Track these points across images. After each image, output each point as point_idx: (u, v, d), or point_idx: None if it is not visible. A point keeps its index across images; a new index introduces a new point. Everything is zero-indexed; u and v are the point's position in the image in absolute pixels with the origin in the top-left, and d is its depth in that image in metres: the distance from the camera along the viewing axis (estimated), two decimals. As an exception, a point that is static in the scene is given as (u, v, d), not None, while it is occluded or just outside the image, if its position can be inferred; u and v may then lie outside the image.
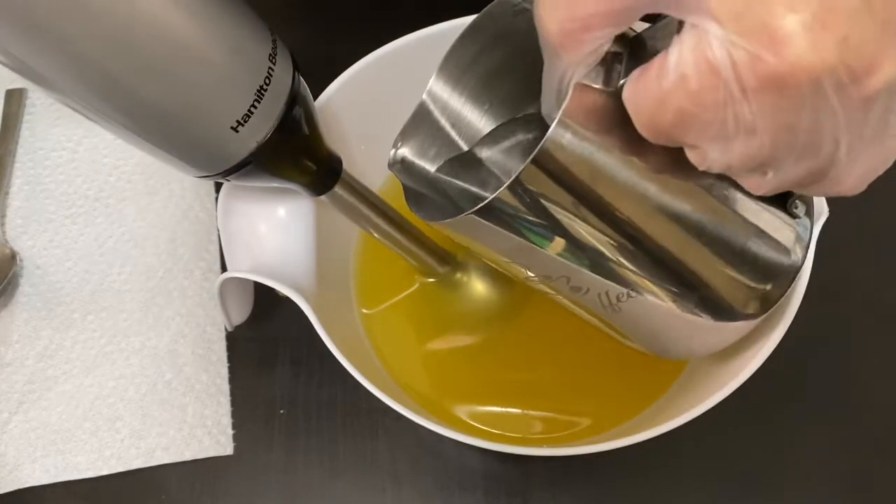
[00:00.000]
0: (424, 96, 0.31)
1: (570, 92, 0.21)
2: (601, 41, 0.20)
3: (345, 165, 0.32)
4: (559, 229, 0.25)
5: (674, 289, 0.27)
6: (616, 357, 0.36)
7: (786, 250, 0.28)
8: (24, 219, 0.46)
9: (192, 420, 0.41)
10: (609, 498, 0.39)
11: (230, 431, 0.40)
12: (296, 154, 0.29)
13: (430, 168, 0.32)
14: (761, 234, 0.27)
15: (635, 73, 0.21)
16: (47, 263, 0.45)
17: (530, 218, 0.24)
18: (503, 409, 0.38)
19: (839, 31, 0.17)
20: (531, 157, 0.22)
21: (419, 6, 0.39)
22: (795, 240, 0.28)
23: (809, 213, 0.28)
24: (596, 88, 0.22)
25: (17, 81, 0.49)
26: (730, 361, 0.32)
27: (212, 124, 0.26)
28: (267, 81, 0.26)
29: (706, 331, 0.29)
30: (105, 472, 0.40)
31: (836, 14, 0.17)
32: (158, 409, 0.41)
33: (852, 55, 0.18)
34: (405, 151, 0.32)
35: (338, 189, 0.32)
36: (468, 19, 0.34)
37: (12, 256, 0.44)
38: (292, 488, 0.40)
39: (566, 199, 0.24)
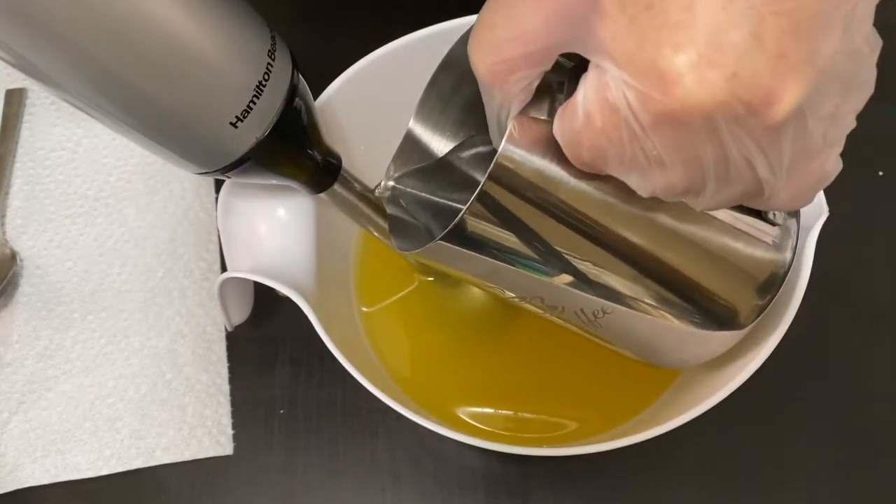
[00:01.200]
0: (410, 126, 0.31)
1: (508, 127, 0.22)
2: (528, 79, 0.21)
3: (344, 165, 0.32)
4: (521, 251, 0.25)
5: (649, 302, 0.27)
6: (615, 358, 0.36)
7: (767, 257, 0.27)
8: (24, 219, 0.46)
9: (192, 420, 0.41)
10: (609, 498, 0.39)
11: (230, 431, 0.40)
12: (295, 150, 0.29)
13: (423, 192, 0.32)
14: (737, 242, 0.27)
15: (560, 109, 0.22)
16: (47, 263, 0.45)
17: (491, 242, 0.25)
18: (502, 409, 0.38)
19: (727, 69, 0.18)
20: (476, 192, 0.23)
21: (419, 6, 0.39)
22: (777, 246, 0.27)
23: (796, 214, 0.28)
24: (538, 119, 0.23)
25: (17, 81, 0.49)
26: (729, 362, 0.32)
27: (210, 120, 0.26)
28: (266, 77, 0.26)
29: (693, 342, 0.29)
30: (105, 472, 0.40)
31: (723, 52, 0.18)
32: (158, 409, 0.41)
33: (745, 90, 0.18)
34: (398, 179, 0.32)
35: (337, 187, 0.32)
36: (468, 19, 0.34)
37: (12, 256, 0.44)
38: (292, 488, 0.40)
39: (522, 225, 0.24)
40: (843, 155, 0.22)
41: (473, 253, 0.25)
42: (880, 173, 0.44)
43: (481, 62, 0.21)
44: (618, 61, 0.19)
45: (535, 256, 0.25)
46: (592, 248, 0.25)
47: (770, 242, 0.27)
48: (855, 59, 0.19)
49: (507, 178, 0.23)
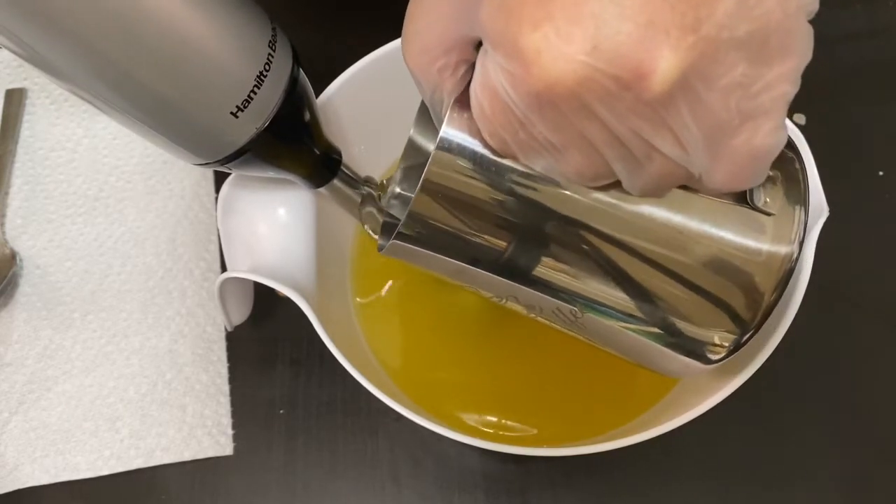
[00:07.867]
0: (411, 135, 0.31)
1: (446, 117, 0.22)
2: (450, 69, 0.21)
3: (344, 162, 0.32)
4: (476, 246, 0.25)
5: (628, 306, 0.25)
6: (615, 358, 0.36)
7: (763, 248, 0.24)
8: (24, 219, 0.46)
9: (192, 420, 0.41)
10: (609, 498, 0.39)
11: (230, 431, 0.40)
12: (295, 142, 0.30)
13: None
14: (721, 232, 0.24)
15: None
16: (47, 263, 0.45)
17: (445, 239, 0.25)
18: (498, 406, 0.38)
19: (586, 42, 0.17)
20: (420, 184, 0.23)
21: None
22: (773, 236, 0.24)
23: (796, 198, 0.24)
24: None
25: (17, 81, 0.49)
26: (729, 362, 0.32)
27: (211, 109, 0.26)
28: (266, 68, 0.26)
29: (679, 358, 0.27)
30: (105, 473, 0.40)
31: (581, 25, 0.17)
32: (158, 409, 0.41)
33: (609, 64, 0.17)
34: (404, 187, 0.32)
35: (337, 182, 0.32)
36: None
37: (12, 256, 0.44)
38: (292, 488, 0.40)
39: (471, 216, 0.24)
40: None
41: (431, 252, 0.25)
42: (880, 173, 0.44)
43: (406, 53, 0.22)
44: (492, 42, 0.18)
45: (491, 253, 0.25)
46: (546, 241, 0.24)
47: (762, 232, 0.24)
48: (762, 23, 0.17)
49: (448, 168, 0.23)
